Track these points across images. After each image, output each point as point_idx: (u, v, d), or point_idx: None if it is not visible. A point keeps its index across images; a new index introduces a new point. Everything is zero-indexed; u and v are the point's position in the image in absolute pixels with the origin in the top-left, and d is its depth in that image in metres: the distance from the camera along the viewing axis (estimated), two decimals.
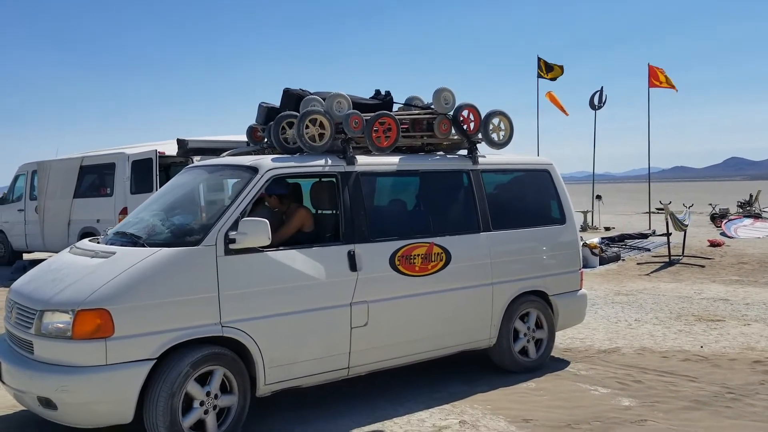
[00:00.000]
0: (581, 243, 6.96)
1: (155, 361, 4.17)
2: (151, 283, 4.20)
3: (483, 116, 5.96)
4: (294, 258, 4.76)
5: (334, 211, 5.17)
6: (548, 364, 6.36)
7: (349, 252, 4.99)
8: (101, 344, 4.03)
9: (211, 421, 4.39)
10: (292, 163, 5.01)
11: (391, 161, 5.49)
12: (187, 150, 5.94)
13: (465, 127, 5.96)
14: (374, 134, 5.32)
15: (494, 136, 6.03)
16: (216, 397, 4.40)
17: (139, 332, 4.13)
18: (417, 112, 5.94)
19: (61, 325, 4.09)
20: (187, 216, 5.09)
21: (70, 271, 4.46)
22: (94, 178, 12.69)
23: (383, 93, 6.26)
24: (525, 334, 6.14)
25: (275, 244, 4.75)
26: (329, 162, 5.15)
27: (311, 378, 4.90)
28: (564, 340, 7.35)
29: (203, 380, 4.38)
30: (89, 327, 4.02)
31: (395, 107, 6.13)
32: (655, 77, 19.14)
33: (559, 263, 6.31)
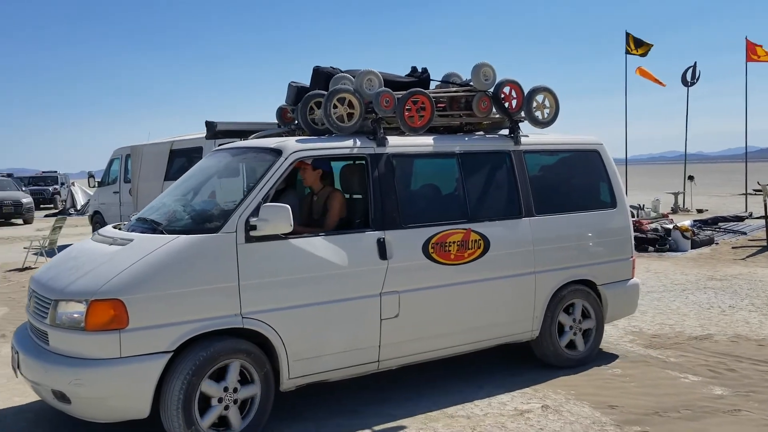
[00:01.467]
0: (671, 225, 6.48)
1: (172, 354, 3.98)
2: (168, 272, 4.00)
3: (526, 93, 5.55)
4: (319, 246, 4.49)
5: (363, 196, 4.88)
6: (632, 350, 6.14)
7: (378, 239, 4.69)
8: (115, 336, 3.85)
9: (234, 415, 4.19)
10: (319, 145, 4.73)
11: (425, 142, 5.15)
12: (216, 132, 5.72)
13: (506, 104, 5.58)
14: (406, 113, 4.98)
15: (538, 114, 5.61)
16: (235, 390, 4.19)
17: (154, 324, 3.94)
18: (455, 89, 5.58)
19: (75, 316, 3.92)
20: (209, 202, 4.88)
21: (87, 259, 4.30)
22: (183, 161, 12.86)
23: (420, 70, 5.92)
24: (571, 327, 5.75)
25: (311, 230, 4.54)
26: (358, 143, 4.85)
27: (338, 372, 4.65)
28: (653, 326, 7.15)
29: (221, 376, 4.17)
30: (103, 318, 3.85)
31: (432, 85, 5.79)
32: (753, 52, 18.20)
33: (608, 250, 5.88)
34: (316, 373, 4.53)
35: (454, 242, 5.00)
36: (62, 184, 33.03)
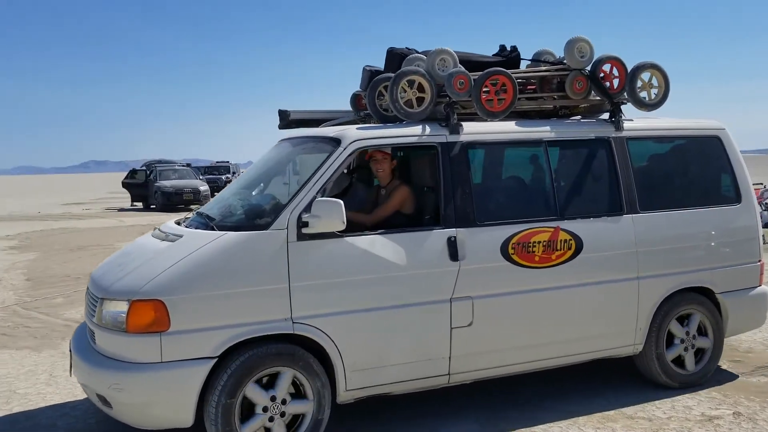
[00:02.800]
0: None
1: (216, 359, 3.70)
2: (212, 271, 3.71)
3: (629, 70, 4.82)
4: (381, 244, 4.05)
5: (434, 189, 4.38)
6: None
7: (449, 238, 4.18)
8: (156, 339, 3.61)
9: (278, 429, 3.85)
10: (382, 133, 4.28)
11: (507, 129, 4.57)
12: (289, 121, 5.42)
13: (607, 84, 4.88)
14: (484, 96, 4.43)
15: (643, 94, 4.86)
16: (284, 402, 3.85)
17: (198, 327, 3.66)
18: (545, 68, 4.94)
19: (118, 316, 3.73)
20: (266, 196, 4.56)
21: (138, 255, 4.11)
22: None
23: (509, 48, 5.32)
24: (682, 340, 4.97)
25: (369, 227, 4.15)
26: (428, 131, 4.35)
27: (403, 384, 4.20)
28: None
29: (271, 383, 3.84)
30: (144, 319, 3.62)
31: (524, 66, 5.18)
32: None
33: (730, 253, 5.03)
34: (376, 386, 4.11)
35: (539, 242, 4.40)
36: (233, 173, 34.73)
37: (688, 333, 4.97)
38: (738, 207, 5.11)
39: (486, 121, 4.54)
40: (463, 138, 4.37)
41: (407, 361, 4.14)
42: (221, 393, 3.68)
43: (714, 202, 5.07)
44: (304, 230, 3.84)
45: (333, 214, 3.78)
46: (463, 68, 4.44)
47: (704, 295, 4.99)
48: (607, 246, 4.61)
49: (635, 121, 5.01)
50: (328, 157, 4.09)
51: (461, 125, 4.40)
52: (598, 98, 4.95)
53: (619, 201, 4.72)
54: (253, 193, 4.69)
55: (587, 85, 4.85)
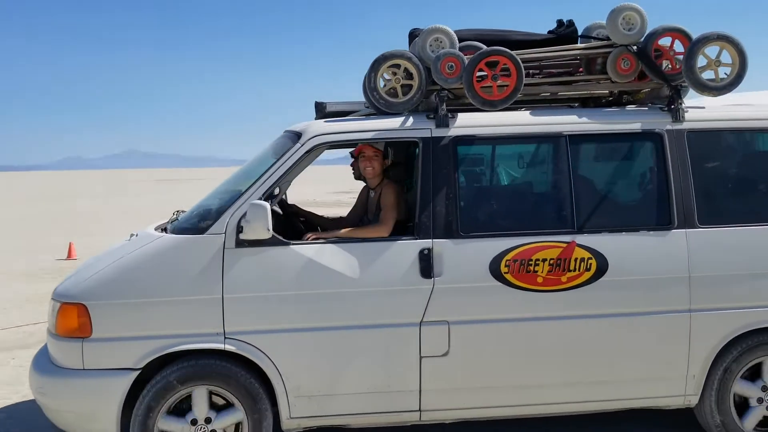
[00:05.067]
0: None
1: (139, 372, 3.44)
2: (139, 277, 3.45)
3: (690, 44, 3.74)
4: (334, 255, 3.52)
5: (412, 193, 3.74)
6: None
7: (422, 251, 3.53)
8: (78, 345, 3.43)
9: None
10: (354, 126, 3.72)
11: (515, 120, 3.75)
12: (325, 114, 5.02)
13: (667, 63, 3.85)
14: (477, 82, 3.67)
15: (707, 75, 3.75)
16: (208, 421, 3.48)
17: (120, 335, 3.43)
18: (583, 45, 4.01)
19: (52, 317, 3.62)
20: (229, 195, 4.19)
21: (98, 257, 3.98)
22: None
23: (566, 23, 4.42)
24: (760, 400, 3.79)
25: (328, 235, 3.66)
26: (410, 124, 3.70)
27: (362, 417, 3.63)
28: None
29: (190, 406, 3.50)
30: (69, 324, 3.46)
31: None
32: None
33: None
34: (328, 416, 3.59)
35: (544, 260, 3.56)
36: None
37: (765, 387, 3.78)
38: None
39: (490, 111, 3.76)
40: (453, 132, 3.67)
41: (365, 391, 3.57)
42: (141, 413, 3.42)
43: None
44: (241, 236, 3.44)
45: (258, 219, 3.33)
46: (455, 50, 3.72)
47: None
48: (644, 268, 3.62)
49: (707, 108, 3.90)
50: (283, 154, 3.64)
51: (452, 117, 3.70)
52: (657, 81, 3.92)
53: (667, 212, 3.69)
54: (230, 192, 4.35)
55: (636, 64, 3.85)
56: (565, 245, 3.59)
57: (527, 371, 3.63)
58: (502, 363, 3.61)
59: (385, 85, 3.79)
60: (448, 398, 3.63)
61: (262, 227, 3.33)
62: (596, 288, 3.60)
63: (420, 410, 3.63)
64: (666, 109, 3.82)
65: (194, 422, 3.46)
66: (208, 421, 3.48)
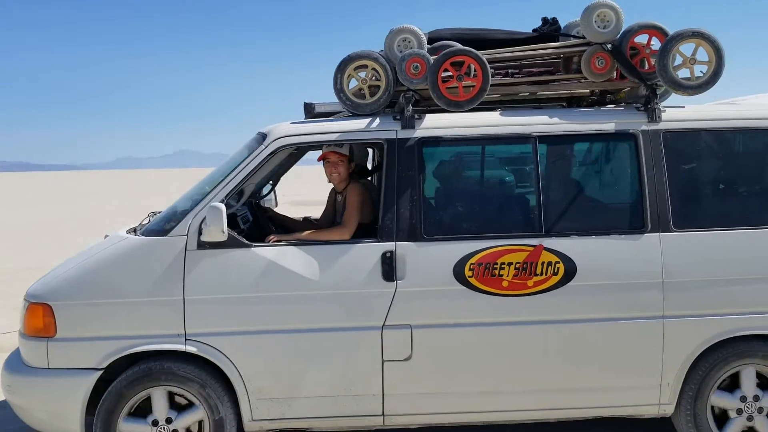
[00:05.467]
0: None
1: (101, 372, 3.47)
2: (102, 278, 3.49)
3: (664, 41, 3.63)
4: (295, 258, 3.50)
5: (377, 195, 3.69)
6: None
7: (384, 254, 3.49)
8: (43, 344, 3.49)
9: None
10: (319, 128, 3.70)
11: (483, 121, 3.67)
12: (314, 115, 5.02)
13: (644, 61, 3.75)
14: (443, 83, 3.61)
15: (682, 73, 3.62)
16: (169, 421, 3.50)
17: (83, 335, 3.47)
18: (557, 44, 3.91)
19: (21, 317, 3.68)
20: (197, 196, 4.19)
21: (69, 258, 4.03)
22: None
23: (550, 20, 4.34)
24: (740, 411, 3.64)
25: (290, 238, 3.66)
26: (375, 125, 3.66)
27: (324, 421, 3.61)
28: None
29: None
30: (35, 323, 3.52)
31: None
32: None
33: None
34: (289, 419, 3.58)
35: (510, 264, 3.49)
36: None
37: (744, 398, 3.64)
38: None
39: (456, 112, 3.70)
40: (419, 133, 3.62)
41: (327, 395, 3.55)
42: (102, 413, 3.46)
43: None
44: (202, 238, 3.45)
45: (214, 221, 3.33)
46: (420, 50, 3.67)
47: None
48: (615, 273, 3.52)
49: (686, 108, 3.77)
50: (247, 156, 3.64)
51: (418, 118, 3.65)
52: (635, 80, 3.80)
53: (641, 215, 3.58)
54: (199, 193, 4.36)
55: (611, 62, 3.75)
56: (531, 249, 3.51)
57: (492, 377, 3.56)
58: (467, 368, 3.54)
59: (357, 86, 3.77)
60: (412, 403, 3.58)
61: (217, 229, 3.33)
62: (564, 293, 3.51)
63: (383, 415, 3.59)
64: (642, 108, 3.70)
65: (155, 423, 3.49)
66: (168, 421, 3.50)
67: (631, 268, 3.53)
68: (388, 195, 3.56)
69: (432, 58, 3.61)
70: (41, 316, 3.48)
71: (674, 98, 3.99)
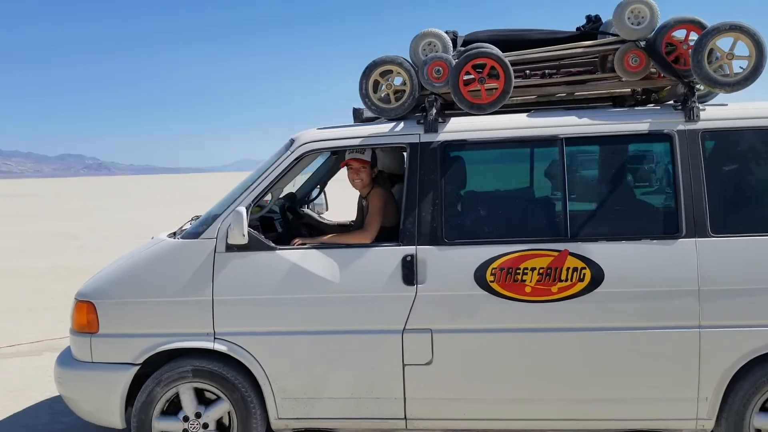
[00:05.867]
0: None
1: (138, 367, 3.67)
2: (140, 278, 3.69)
3: (699, 36, 3.44)
4: (317, 261, 3.57)
5: (399, 199, 3.70)
6: None
7: (405, 257, 3.50)
8: (88, 340, 3.73)
9: None
10: (344, 133, 3.75)
11: (508, 124, 3.61)
12: (363, 120, 5.13)
13: (679, 58, 3.57)
14: (464, 87, 3.58)
15: (721, 69, 3.41)
16: (198, 415, 3.65)
17: (122, 332, 3.69)
18: (589, 43, 3.79)
19: (71, 314, 3.94)
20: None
21: (117, 259, 4.27)
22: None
23: (593, 18, 4.22)
24: None
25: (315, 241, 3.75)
26: (399, 129, 3.68)
27: (347, 422, 3.65)
28: None
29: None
30: (81, 320, 3.76)
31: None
32: None
33: None
34: (314, 419, 3.65)
35: (533, 269, 3.41)
36: None
37: None
38: None
39: (479, 115, 3.66)
40: (442, 137, 3.60)
41: (350, 397, 3.59)
42: (139, 407, 3.66)
43: None
44: (229, 241, 3.59)
45: (236, 225, 3.46)
46: (443, 54, 3.65)
47: None
48: (647, 279, 3.36)
49: (730, 106, 3.56)
50: (275, 161, 3.75)
51: (441, 121, 3.64)
52: (673, 78, 3.62)
53: (675, 219, 3.40)
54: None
55: (646, 60, 3.59)
56: (556, 254, 3.41)
57: (516, 384, 3.48)
58: (489, 375, 3.49)
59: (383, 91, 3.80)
60: (434, 408, 3.56)
61: (239, 232, 3.45)
62: (591, 300, 3.39)
63: (406, 418, 3.59)
64: (680, 107, 3.53)
65: (186, 419, 3.65)
66: (198, 415, 3.65)
67: (664, 274, 3.36)
68: (410, 198, 3.57)
69: (454, 61, 3.59)
70: (85, 313, 3.73)
71: (727, 97, 3.77)
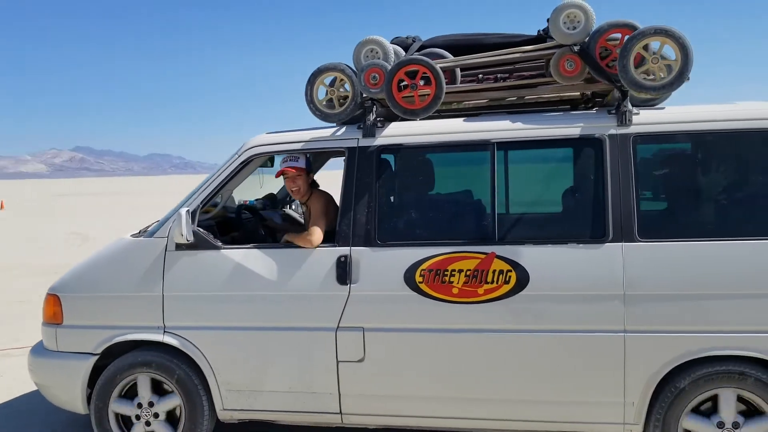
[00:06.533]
0: None
1: (97, 356, 3.93)
2: (98, 273, 3.96)
3: (625, 41, 3.43)
4: (258, 260, 3.74)
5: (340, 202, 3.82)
6: None
7: (339, 258, 3.63)
8: (54, 330, 4.02)
9: (161, 430, 3.90)
10: (287, 138, 3.90)
11: (441, 129, 3.69)
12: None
13: (616, 62, 3.57)
14: (399, 92, 3.67)
15: (646, 73, 3.39)
16: (151, 404, 3.88)
17: (82, 324, 3.96)
18: (528, 48, 3.81)
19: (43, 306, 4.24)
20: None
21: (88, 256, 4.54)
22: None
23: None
24: None
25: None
26: (340, 134, 3.81)
27: (287, 415, 3.81)
28: None
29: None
30: (49, 311, 4.05)
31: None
32: None
33: None
34: (256, 410, 3.83)
35: (461, 271, 3.49)
36: None
37: (721, 424, 3.34)
38: None
39: (411, 120, 3.75)
40: (378, 141, 3.71)
41: (288, 390, 3.75)
42: (97, 395, 3.92)
43: None
44: (174, 240, 3.80)
45: (176, 225, 3.67)
46: (379, 61, 3.75)
47: (760, 369, 3.28)
48: (572, 283, 3.39)
49: (666, 110, 3.53)
50: (225, 164, 3.93)
51: (380, 127, 3.74)
52: (608, 84, 3.62)
53: (602, 224, 3.41)
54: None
55: (581, 65, 3.60)
56: (483, 257, 3.48)
57: (444, 383, 3.56)
58: (418, 373, 3.58)
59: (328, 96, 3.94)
60: (367, 404, 3.68)
61: (179, 233, 3.66)
62: (516, 302, 3.44)
63: (341, 413, 3.73)
64: (613, 111, 3.52)
65: (140, 405, 3.90)
66: (151, 404, 3.89)
67: (590, 278, 3.38)
68: (346, 201, 3.69)
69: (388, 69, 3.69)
70: (52, 306, 4.02)
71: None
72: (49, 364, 4.03)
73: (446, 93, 3.74)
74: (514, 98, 4.04)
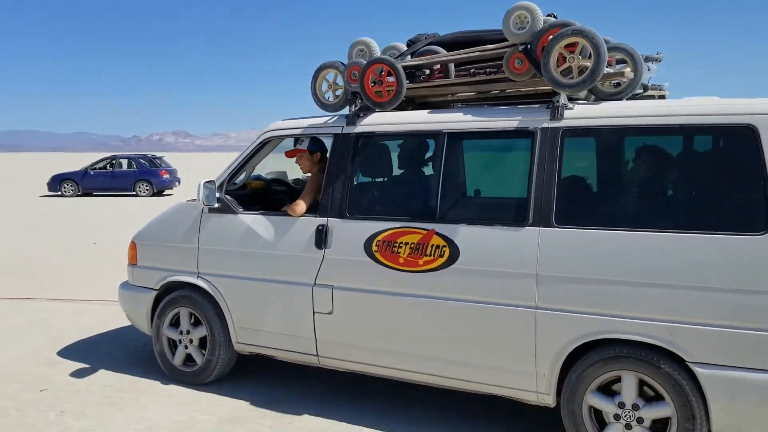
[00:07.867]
0: None
1: (157, 291, 5.10)
2: (160, 227, 5.10)
3: (549, 40, 3.68)
4: (261, 224, 4.60)
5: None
6: None
7: (318, 226, 4.37)
8: (132, 269, 5.27)
9: (194, 352, 4.98)
10: (294, 124, 4.68)
11: (407, 119, 4.22)
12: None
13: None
14: (372, 87, 4.25)
15: (563, 70, 3.61)
16: (188, 332, 4.95)
17: (149, 265, 5.14)
18: (491, 47, 4.15)
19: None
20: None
21: None
22: None
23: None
24: (617, 416, 3.57)
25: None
26: (331, 122, 4.51)
27: (280, 352, 4.66)
28: None
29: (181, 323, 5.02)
30: (130, 255, 5.31)
31: None
32: None
33: (733, 307, 3.27)
34: (258, 346, 4.72)
35: (405, 243, 4.05)
36: None
37: (622, 404, 3.54)
38: (759, 238, 3.22)
39: (383, 111, 4.32)
40: (357, 129, 4.36)
41: (279, 332, 4.59)
42: (155, 320, 5.09)
43: (715, 225, 3.33)
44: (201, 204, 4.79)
45: (198, 193, 4.62)
46: (359, 59, 4.37)
47: (673, 364, 3.43)
48: (491, 260, 3.79)
49: (600, 105, 3.73)
50: (248, 145, 4.82)
51: (361, 116, 4.37)
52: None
53: (525, 209, 3.75)
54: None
55: (528, 63, 3.91)
56: (425, 232, 3.99)
57: (391, 338, 4.15)
58: (372, 327, 4.21)
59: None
60: (336, 349, 4.39)
61: (200, 199, 4.63)
62: (448, 273, 3.92)
63: (318, 356, 4.48)
64: (545, 107, 3.80)
65: (182, 332, 5.01)
66: (188, 332, 4.99)
67: (509, 258, 3.75)
68: (329, 179, 4.39)
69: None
70: (132, 250, 5.26)
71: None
72: (128, 295, 5.29)
73: (425, 87, 4.26)
74: (497, 91, 4.41)
